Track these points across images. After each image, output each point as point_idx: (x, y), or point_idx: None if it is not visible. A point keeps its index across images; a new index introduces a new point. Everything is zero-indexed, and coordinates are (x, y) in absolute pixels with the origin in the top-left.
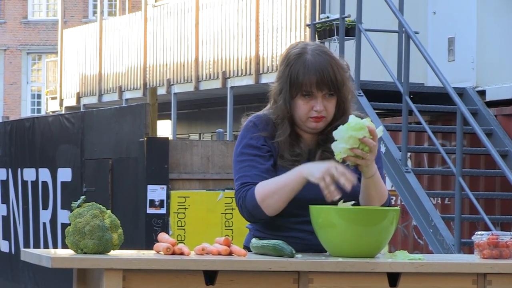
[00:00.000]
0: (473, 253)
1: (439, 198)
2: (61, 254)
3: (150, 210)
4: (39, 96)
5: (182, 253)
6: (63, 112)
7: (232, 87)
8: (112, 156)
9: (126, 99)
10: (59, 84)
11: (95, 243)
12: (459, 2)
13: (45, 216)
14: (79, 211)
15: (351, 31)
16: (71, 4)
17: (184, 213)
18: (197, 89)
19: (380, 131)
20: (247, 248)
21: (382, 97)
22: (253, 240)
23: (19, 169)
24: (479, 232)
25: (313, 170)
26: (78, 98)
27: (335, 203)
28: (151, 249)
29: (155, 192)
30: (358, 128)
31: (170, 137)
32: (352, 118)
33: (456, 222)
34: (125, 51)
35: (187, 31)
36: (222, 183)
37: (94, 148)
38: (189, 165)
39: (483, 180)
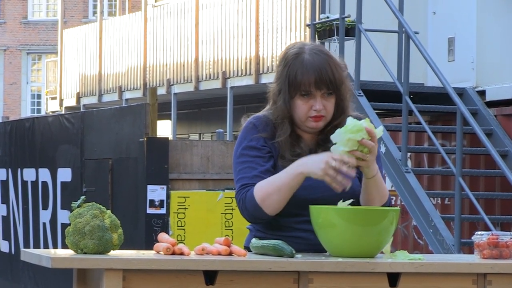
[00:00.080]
0: (473, 253)
1: (439, 198)
2: (61, 254)
3: (150, 210)
4: (39, 96)
5: (182, 253)
6: (63, 112)
7: (232, 87)
8: (112, 156)
9: (126, 99)
10: (59, 84)
11: (95, 243)
12: (459, 2)
13: (45, 216)
14: (79, 211)
15: (351, 31)
16: (71, 4)
17: (184, 213)
18: (197, 89)
19: (380, 131)
20: (247, 248)
21: (382, 97)
22: (253, 240)
23: (19, 169)
24: (479, 232)
25: (312, 168)
26: (78, 98)
27: (335, 202)
28: (151, 249)
29: (155, 192)
30: (356, 130)
31: (170, 137)
32: (350, 120)
33: (456, 222)
34: (125, 51)
35: (187, 31)
36: (222, 183)
37: (94, 148)
38: (189, 165)
39: (483, 180)
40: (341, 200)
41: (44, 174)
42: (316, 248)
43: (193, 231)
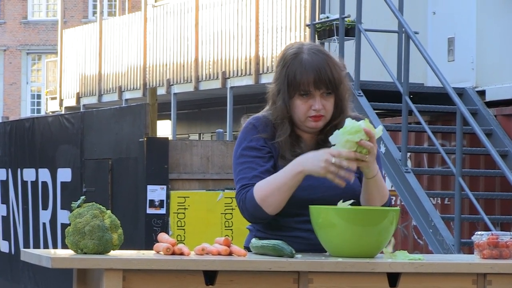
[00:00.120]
0: (473, 253)
1: (439, 198)
2: (61, 254)
3: (150, 210)
4: (39, 96)
5: (182, 253)
6: (63, 112)
7: (232, 87)
8: (112, 156)
9: (126, 99)
10: (59, 84)
11: (95, 243)
12: (459, 2)
13: (45, 216)
14: (79, 211)
15: (351, 31)
16: (71, 4)
17: (184, 213)
18: (197, 89)
19: (379, 130)
20: (247, 249)
21: (382, 97)
22: (253, 240)
23: (19, 170)
24: (479, 232)
25: (313, 167)
26: (78, 98)
27: (335, 202)
28: (151, 249)
29: (155, 192)
30: (354, 132)
31: (170, 137)
32: (348, 122)
33: (456, 222)
34: (125, 51)
35: (187, 31)
36: (222, 183)
37: (94, 148)
38: (189, 165)
39: (483, 180)
40: (341, 200)
41: (44, 174)
42: (316, 248)
43: (193, 231)
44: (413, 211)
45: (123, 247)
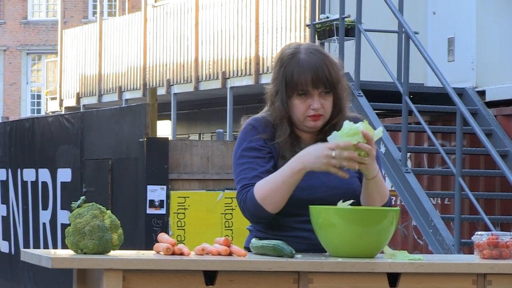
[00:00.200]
0: (473, 253)
1: (439, 198)
2: (61, 255)
3: (150, 211)
4: (39, 97)
5: (182, 253)
6: (63, 112)
7: (232, 87)
8: (112, 157)
9: (126, 100)
10: (59, 84)
11: (95, 244)
12: (459, 2)
13: (45, 216)
14: (79, 211)
15: (350, 31)
16: (71, 5)
17: (184, 213)
18: (197, 89)
19: (379, 132)
20: (247, 249)
21: (382, 98)
22: (253, 240)
23: (19, 170)
24: (479, 232)
25: (315, 164)
26: (78, 98)
27: (335, 202)
28: (151, 249)
29: (155, 192)
30: (352, 134)
31: (170, 138)
32: (346, 124)
33: (456, 222)
34: (125, 52)
35: (187, 31)
36: (222, 183)
37: (94, 148)
38: (189, 166)
39: (483, 180)
40: (341, 201)
41: (44, 174)
42: (317, 248)
43: (193, 231)
44: (413, 211)
45: (123, 247)
